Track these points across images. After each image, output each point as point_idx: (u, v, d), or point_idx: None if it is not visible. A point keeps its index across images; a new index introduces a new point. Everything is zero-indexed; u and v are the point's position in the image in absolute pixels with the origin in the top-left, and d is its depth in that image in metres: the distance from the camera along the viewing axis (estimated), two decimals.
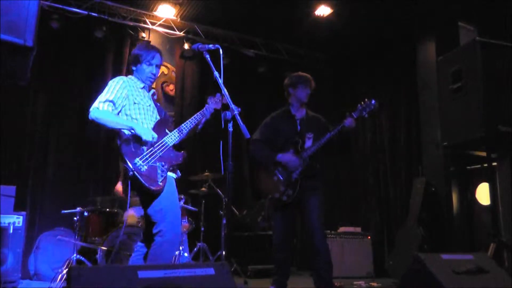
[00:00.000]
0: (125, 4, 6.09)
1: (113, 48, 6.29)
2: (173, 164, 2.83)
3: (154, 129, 2.84)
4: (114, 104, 2.77)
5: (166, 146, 2.82)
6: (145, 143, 2.70)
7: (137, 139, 2.69)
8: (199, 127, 3.14)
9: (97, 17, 5.97)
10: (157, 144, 2.78)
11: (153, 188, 2.63)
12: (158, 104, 3.13)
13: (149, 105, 2.95)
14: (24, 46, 1.53)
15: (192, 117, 3.07)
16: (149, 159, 2.68)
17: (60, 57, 5.90)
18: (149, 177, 2.62)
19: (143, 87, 3.00)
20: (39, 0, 1.59)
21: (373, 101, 3.58)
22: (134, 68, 3.00)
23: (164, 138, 2.85)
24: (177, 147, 2.93)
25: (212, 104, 3.15)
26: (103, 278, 1.61)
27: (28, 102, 5.63)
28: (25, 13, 1.54)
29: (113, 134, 2.81)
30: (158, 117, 2.99)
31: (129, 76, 3.01)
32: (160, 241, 2.68)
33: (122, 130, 2.73)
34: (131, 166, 2.59)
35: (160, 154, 2.75)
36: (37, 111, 5.70)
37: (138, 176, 2.59)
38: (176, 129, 2.96)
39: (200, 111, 3.10)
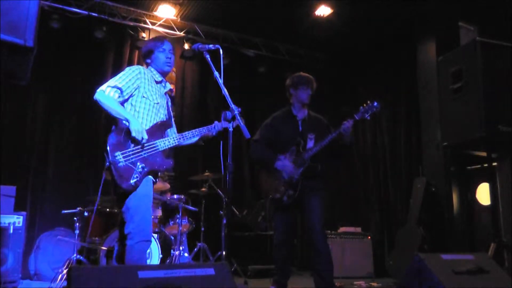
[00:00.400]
0: (125, 4, 6.09)
1: (113, 48, 6.29)
2: (155, 169, 2.76)
3: (151, 128, 2.79)
4: (121, 92, 2.74)
5: (155, 149, 2.76)
6: (133, 139, 2.65)
7: (129, 133, 2.66)
8: (202, 140, 3.06)
9: (97, 17, 5.98)
10: (147, 145, 2.72)
11: (123, 186, 2.59)
12: (170, 106, 3.07)
13: (157, 103, 2.90)
14: (24, 46, 1.53)
15: (196, 130, 2.99)
16: (132, 156, 2.64)
17: (60, 57, 5.90)
18: (122, 174, 2.59)
19: (161, 81, 2.97)
20: (39, 0, 1.59)
21: (375, 103, 3.53)
22: (149, 61, 2.98)
23: (157, 141, 2.79)
24: (167, 153, 2.85)
25: (224, 123, 2.97)
26: (103, 278, 1.61)
27: (28, 102, 5.63)
28: (25, 13, 1.54)
29: (112, 120, 2.79)
30: (163, 118, 2.94)
31: (149, 68, 2.98)
32: (130, 246, 2.62)
33: (119, 119, 2.71)
34: (109, 157, 2.57)
35: (145, 155, 2.70)
36: (37, 111, 5.70)
37: (113, 170, 2.57)
38: (176, 136, 2.89)
39: (207, 126, 3.00)
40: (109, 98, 2.70)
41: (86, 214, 4.54)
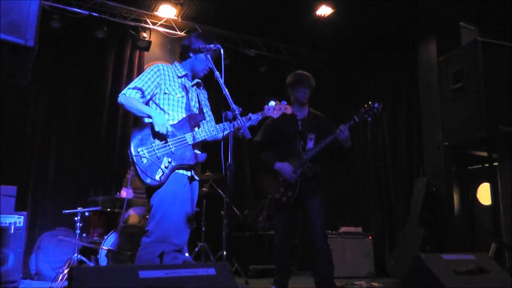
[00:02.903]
0: (126, 4, 6.09)
1: (114, 48, 6.30)
2: (184, 164, 2.66)
3: (180, 122, 2.73)
4: (142, 92, 2.71)
5: (183, 144, 2.68)
6: (157, 134, 2.60)
7: (153, 128, 2.60)
8: (242, 131, 2.64)
9: (98, 17, 5.97)
10: (175, 138, 2.66)
11: (147, 182, 2.53)
12: (204, 98, 3.00)
13: (182, 96, 2.82)
14: (25, 46, 1.53)
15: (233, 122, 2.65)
16: (157, 151, 2.58)
17: (61, 57, 5.91)
18: (146, 170, 2.53)
19: (184, 75, 2.90)
20: (40, 0, 1.59)
21: (376, 105, 3.43)
22: (192, 55, 2.88)
23: (186, 135, 2.71)
24: (199, 147, 2.78)
25: (269, 110, 2.89)
26: (104, 278, 1.61)
27: (29, 102, 5.64)
28: (26, 13, 1.54)
29: (137, 120, 2.77)
30: (194, 110, 2.86)
31: (175, 63, 2.94)
32: (144, 243, 2.56)
33: (143, 117, 2.69)
34: (132, 153, 2.53)
35: (172, 149, 2.63)
36: (38, 111, 5.70)
37: (136, 166, 2.52)
38: (208, 128, 2.77)
39: (243, 118, 2.76)
40: (129, 98, 2.68)
41: (87, 214, 4.54)
